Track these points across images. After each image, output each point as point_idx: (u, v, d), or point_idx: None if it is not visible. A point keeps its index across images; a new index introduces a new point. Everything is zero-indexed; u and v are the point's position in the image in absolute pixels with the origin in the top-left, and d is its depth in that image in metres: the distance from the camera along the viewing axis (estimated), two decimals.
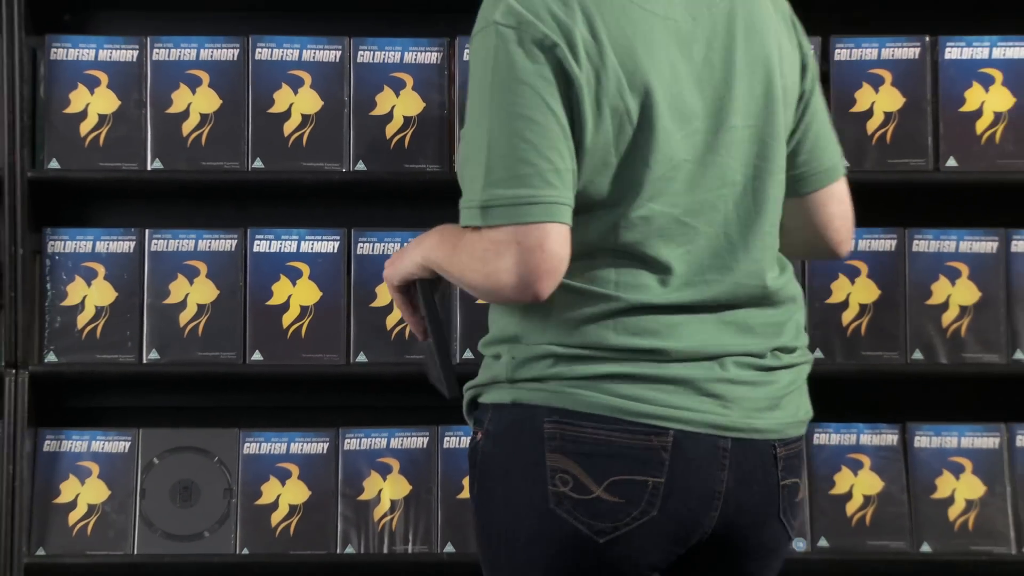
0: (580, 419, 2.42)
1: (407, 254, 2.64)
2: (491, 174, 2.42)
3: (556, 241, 2.37)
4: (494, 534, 2.56)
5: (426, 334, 2.66)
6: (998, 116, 3.94)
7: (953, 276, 3.95)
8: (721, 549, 2.54)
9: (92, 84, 3.93)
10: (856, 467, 3.91)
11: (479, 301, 3.73)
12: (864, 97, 3.95)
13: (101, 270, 3.92)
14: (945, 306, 3.93)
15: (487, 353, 2.55)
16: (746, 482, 2.49)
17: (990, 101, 3.95)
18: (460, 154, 2.52)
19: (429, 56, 3.96)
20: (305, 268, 3.94)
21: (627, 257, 2.47)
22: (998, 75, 3.96)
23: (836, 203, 2.69)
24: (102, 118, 3.92)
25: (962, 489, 3.89)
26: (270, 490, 3.85)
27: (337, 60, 3.95)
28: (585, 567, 2.47)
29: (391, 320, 3.94)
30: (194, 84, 3.93)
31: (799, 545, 3.87)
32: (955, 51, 3.97)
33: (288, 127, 3.91)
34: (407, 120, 3.94)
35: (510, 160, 2.42)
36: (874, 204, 3.73)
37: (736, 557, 2.57)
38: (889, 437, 3.93)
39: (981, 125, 3.94)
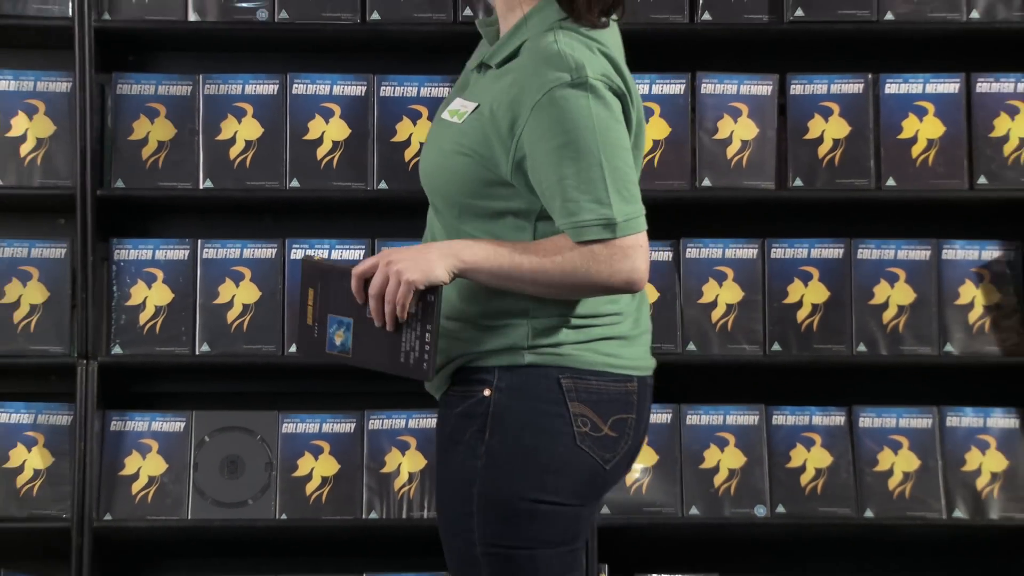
0: (586, 375, 2.56)
1: (436, 261, 2.62)
2: (619, 195, 2.54)
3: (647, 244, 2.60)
4: (510, 475, 2.60)
5: (396, 325, 2.64)
6: (931, 142, 4.01)
7: (892, 280, 4.00)
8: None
9: (152, 115, 4.00)
10: (809, 444, 3.97)
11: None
12: (815, 126, 4.02)
13: (160, 274, 3.99)
14: (885, 306, 3.99)
15: (491, 324, 2.62)
16: (648, 411, 2.71)
17: (924, 129, 4.01)
18: (550, 185, 2.57)
19: (441, 90, 4.02)
20: None
21: None
22: (931, 107, 4.03)
23: None
24: (161, 144, 3.98)
25: (900, 463, 3.94)
26: (305, 464, 3.92)
27: (363, 94, 4.02)
28: (594, 488, 2.61)
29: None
30: (240, 115, 3.99)
31: (760, 511, 3.93)
32: (894, 87, 4.04)
33: (320, 151, 3.99)
34: (423, 145, 4.03)
35: (625, 184, 2.55)
36: (824, 218, 4.06)
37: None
38: (837, 418, 3.99)
39: (916, 150, 4.01)
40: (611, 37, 2.73)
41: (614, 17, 2.75)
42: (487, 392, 2.58)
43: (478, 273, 2.60)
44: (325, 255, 3.53)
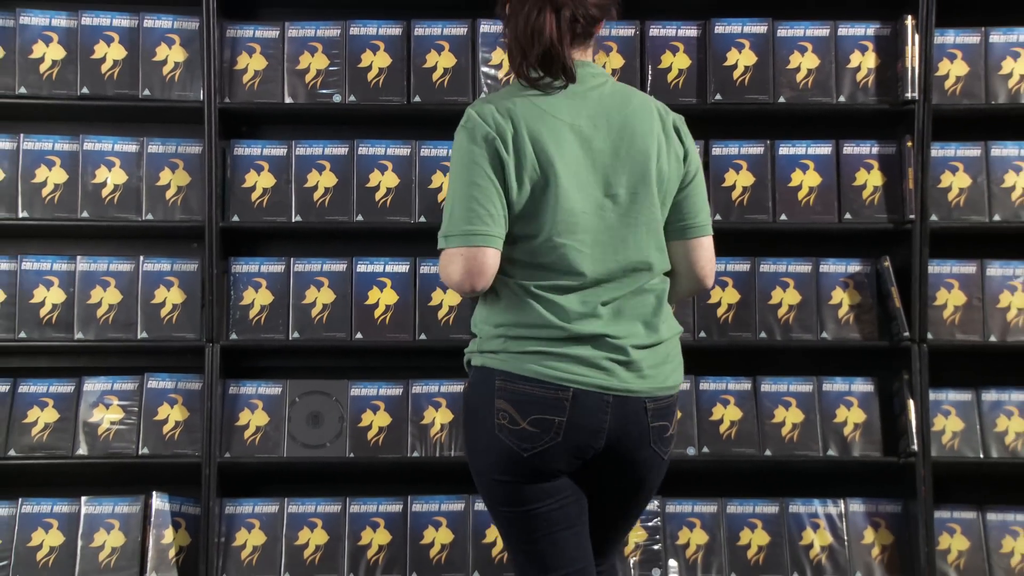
0: (516, 379, 2.49)
1: None
2: (453, 216, 2.49)
3: (487, 257, 2.47)
4: (469, 446, 2.60)
5: None
6: (811, 189, 4.03)
7: (784, 287, 4.03)
8: (613, 461, 2.56)
9: (258, 169, 4.02)
10: (725, 403, 4.00)
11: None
12: (729, 177, 4.04)
13: (263, 282, 4.01)
14: (780, 305, 4.03)
15: (473, 331, 2.61)
16: (623, 422, 2.52)
17: (807, 180, 4.04)
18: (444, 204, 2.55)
19: None
20: (388, 281, 4.01)
21: (544, 269, 2.52)
22: (811, 164, 4.04)
23: (704, 250, 2.67)
24: (264, 190, 4.01)
25: (790, 417, 3.99)
26: (367, 417, 3.96)
27: (408, 154, 4.03)
28: (517, 468, 2.52)
29: (440, 313, 3.99)
30: (320, 169, 4.01)
31: (690, 451, 3.94)
32: (785, 149, 4.05)
33: (378, 195, 4.01)
34: None
35: (464, 208, 2.48)
36: (736, 242, 4.09)
37: (624, 466, 2.58)
38: (745, 385, 4.02)
39: (801, 194, 4.04)
40: (539, 100, 2.54)
41: (594, 83, 2.56)
42: (467, 385, 2.60)
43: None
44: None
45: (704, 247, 2.66)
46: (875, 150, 4.06)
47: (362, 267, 4.03)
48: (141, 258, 4.02)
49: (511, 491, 2.51)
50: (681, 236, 2.63)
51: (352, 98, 4.02)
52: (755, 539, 3.95)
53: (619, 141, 2.54)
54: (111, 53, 3.99)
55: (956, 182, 4.05)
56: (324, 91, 4.03)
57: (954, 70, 4.05)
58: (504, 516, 2.54)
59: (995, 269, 4.05)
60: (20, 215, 3.97)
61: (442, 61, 4.01)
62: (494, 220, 2.46)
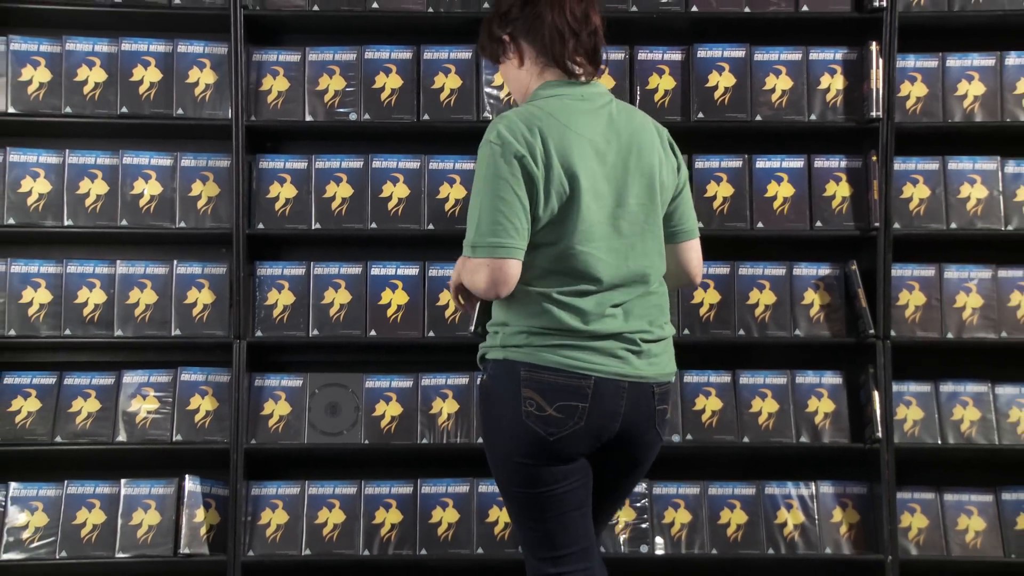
0: (541, 369, 2.51)
1: (454, 273, 2.69)
2: (480, 228, 2.48)
3: (511, 268, 2.48)
4: (492, 433, 2.59)
5: (472, 307, 2.67)
6: (786, 199, 4.09)
7: (760, 288, 4.08)
8: (622, 443, 2.62)
9: (281, 181, 4.07)
10: (707, 395, 4.04)
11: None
12: (711, 188, 4.09)
13: (286, 284, 4.06)
14: (756, 305, 4.08)
15: (490, 330, 2.64)
16: (635, 407, 2.58)
17: (781, 191, 4.09)
18: (468, 215, 2.56)
19: (470, 165, 4.04)
20: (399, 283, 4.05)
21: (564, 275, 2.55)
22: (785, 176, 4.09)
23: (693, 251, 2.76)
24: (287, 200, 4.06)
25: (766, 407, 4.03)
26: (380, 407, 4.00)
27: (418, 167, 4.07)
28: (542, 452, 2.54)
29: (448, 312, 4.02)
30: (338, 181, 4.05)
31: (675, 438, 3.99)
32: (762, 163, 4.10)
33: (390, 205, 4.06)
34: (457, 201, 4.04)
35: (491, 221, 2.47)
36: (717, 248, 4.02)
37: (631, 448, 2.64)
38: (725, 378, 4.06)
39: (776, 204, 4.09)
40: (562, 110, 2.53)
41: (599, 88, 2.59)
42: (485, 377, 2.61)
43: (460, 277, 2.60)
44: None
45: (694, 248, 2.75)
46: (843, 164, 4.10)
47: (376, 270, 4.07)
48: (175, 262, 4.06)
49: (532, 473, 2.52)
50: (674, 240, 2.71)
51: (367, 116, 4.06)
52: (734, 518, 4.00)
53: (628, 155, 2.58)
54: (148, 76, 4.05)
55: (917, 193, 4.10)
56: (341, 110, 4.07)
57: (914, 91, 4.10)
58: (520, 497, 2.55)
59: (952, 272, 4.11)
60: (66, 223, 4.03)
61: (449, 83, 4.06)
62: (518, 233, 2.47)
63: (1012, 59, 4.15)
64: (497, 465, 2.58)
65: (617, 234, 2.57)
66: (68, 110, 4.06)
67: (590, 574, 2.60)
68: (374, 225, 4.08)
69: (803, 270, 4.13)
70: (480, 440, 3.74)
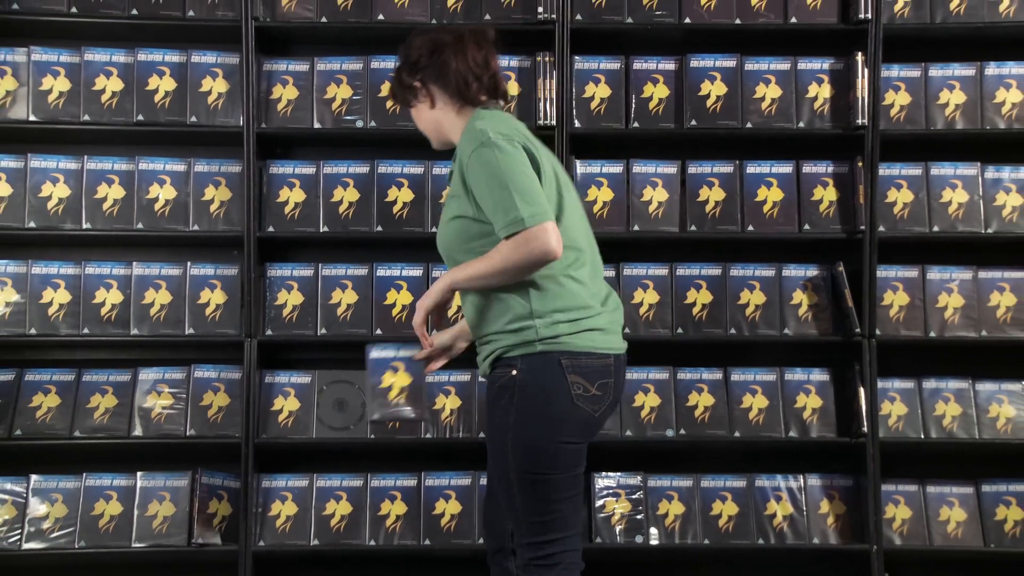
0: (578, 356, 2.65)
1: (434, 292, 2.71)
2: (523, 201, 2.57)
3: (556, 228, 2.61)
4: (532, 425, 2.62)
5: (442, 323, 2.73)
6: (775, 203, 4.12)
7: (751, 288, 4.12)
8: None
9: (291, 186, 4.10)
10: (700, 391, 4.08)
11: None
12: (704, 192, 4.12)
13: (295, 285, 4.09)
14: (747, 305, 4.12)
15: (510, 328, 2.67)
16: (625, 378, 2.80)
17: (771, 195, 4.12)
18: (489, 209, 2.62)
19: None
20: (404, 284, 4.09)
21: (574, 251, 2.69)
22: (775, 181, 4.13)
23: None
24: (296, 204, 4.09)
25: (756, 402, 4.07)
26: None
27: (422, 172, 4.10)
28: (588, 429, 2.67)
29: (450, 312, 3.94)
30: (345, 185, 4.09)
31: (668, 433, 4.00)
32: (753, 168, 4.14)
33: (395, 208, 4.09)
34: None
35: (526, 193, 2.58)
36: (709, 250, 4.16)
37: (607, 418, 2.79)
38: (717, 375, 4.10)
39: (766, 208, 4.12)
40: (519, 123, 2.77)
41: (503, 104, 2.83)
42: (514, 372, 2.66)
43: (464, 283, 2.67)
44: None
45: None
46: (830, 169, 4.14)
47: (381, 272, 4.10)
48: (188, 264, 4.09)
49: (575, 453, 2.63)
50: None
51: (373, 123, 4.09)
52: (726, 510, 4.03)
53: (551, 156, 2.84)
54: (163, 85, 4.09)
55: (900, 197, 4.13)
56: (348, 117, 4.09)
57: (898, 100, 4.14)
58: (545, 480, 2.61)
59: (934, 273, 4.15)
60: (84, 226, 4.06)
61: None
62: (546, 201, 2.62)
63: (991, 69, 4.21)
64: (543, 453, 2.61)
65: (578, 214, 2.78)
66: (87, 118, 4.10)
67: (580, 555, 2.73)
68: (380, 228, 4.10)
69: (792, 271, 4.16)
70: (482, 435, 3.87)
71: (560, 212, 2.69)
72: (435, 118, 2.81)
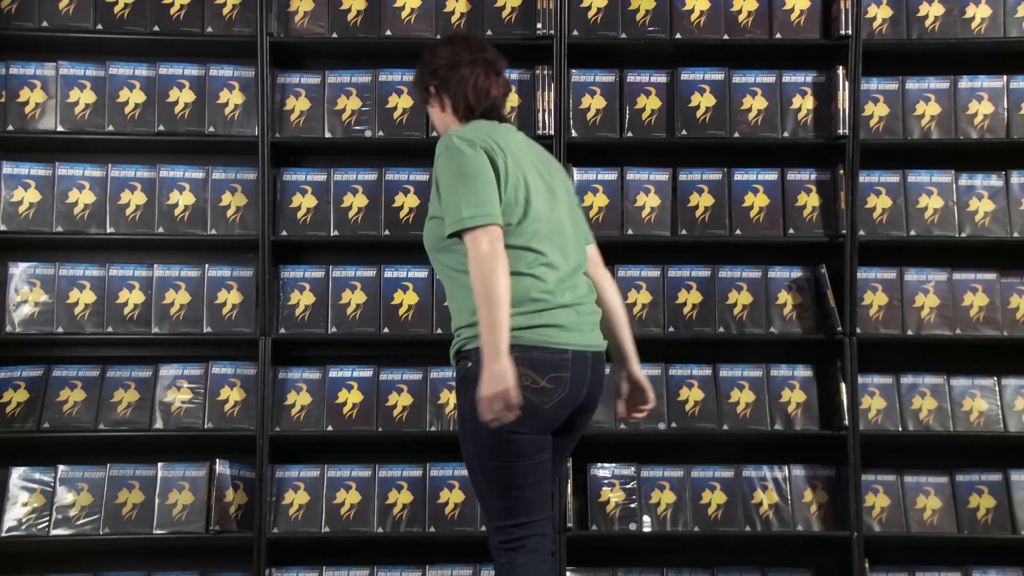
0: (530, 349, 2.65)
1: (494, 362, 2.55)
2: (467, 203, 2.60)
3: (494, 231, 2.60)
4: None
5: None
6: (762, 208, 4.18)
7: (739, 289, 4.18)
8: (582, 409, 2.78)
9: (303, 192, 4.16)
10: (690, 386, 4.13)
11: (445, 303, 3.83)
12: (694, 198, 4.18)
13: (307, 286, 4.16)
14: (735, 305, 4.17)
15: (468, 322, 2.69)
16: (596, 374, 2.76)
17: (757, 201, 4.20)
18: (442, 208, 2.64)
19: None
20: (411, 285, 4.14)
21: (529, 250, 2.71)
22: (761, 187, 4.20)
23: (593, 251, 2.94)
24: (308, 209, 4.16)
25: (743, 397, 4.12)
26: (393, 397, 4.08)
27: (428, 179, 4.12)
28: (535, 421, 2.66)
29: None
30: (354, 192, 4.15)
31: (660, 426, 4.06)
32: (740, 175, 4.20)
33: (402, 213, 4.15)
34: None
35: (473, 195, 2.60)
36: (699, 253, 4.22)
37: (585, 413, 2.80)
38: (707, 371, 4.16)
39: (753, 213, 4.19)
40: (500, 133, 2.77)
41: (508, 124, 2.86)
42: (469, 364, 2.68)
43: (487, 335, 2.58)
44: None
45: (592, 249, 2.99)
46: (813, 176, 4.22)
47: (389, 273, 4.15)
48: (206, 266, 4.16)
49: (525, 442, 2.64)
50: (587, 241, 2.98)
51: (381, 133, 4.15)
52: (715, 499, 4.09)
53: (542, 163, 2.87)
54: (183, 97, 4.17)
55: (880, 203, 4.20)
56: (358, 127, 4.16)
57: (877, 111, 4.22)
58: (506, 467, 2.65)
59: (912, 275, 4.21)
60: (108, 231, 4.13)
61: None
62: (496, 206, 2.63)
63: (964, 83, 4.30)
64: (493, 440, 2.63)
65: (555, 216, 2.79)
66: (111, 128, 4.19)
67: (550, 541, 2.75)
68: (387, 232, 4.17)
69: (777, 273, 4.22)
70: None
71: (524, 215, 2.71)
72: (444, 120, 2.90)
